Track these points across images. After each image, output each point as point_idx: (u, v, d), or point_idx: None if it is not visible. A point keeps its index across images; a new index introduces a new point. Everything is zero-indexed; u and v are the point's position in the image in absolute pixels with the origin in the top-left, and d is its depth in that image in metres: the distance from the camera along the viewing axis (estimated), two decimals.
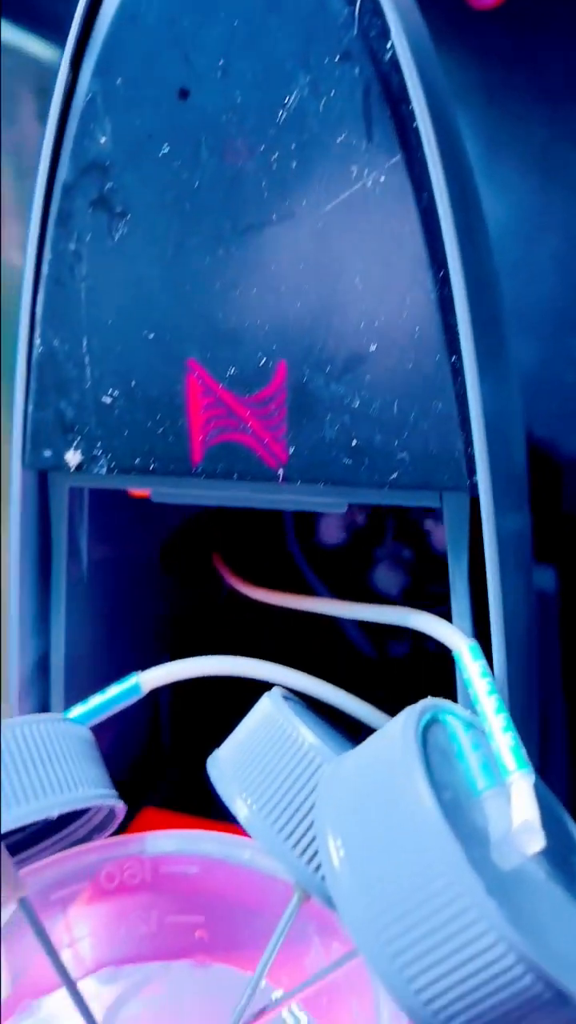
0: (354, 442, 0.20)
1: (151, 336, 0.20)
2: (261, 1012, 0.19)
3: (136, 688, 0.23)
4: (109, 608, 0.27)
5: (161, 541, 0.32)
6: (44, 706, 0.26)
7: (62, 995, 0.20)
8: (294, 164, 0.19)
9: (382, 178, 0.18)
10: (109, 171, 0.20)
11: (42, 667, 0.26)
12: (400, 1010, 0.14)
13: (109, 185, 0.20)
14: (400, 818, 0.14)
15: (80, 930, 0.21)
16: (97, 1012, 0.20)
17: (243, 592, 0.30)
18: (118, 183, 0.20)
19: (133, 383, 0.21)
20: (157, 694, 0.32)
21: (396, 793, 0.15)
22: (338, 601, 0.28)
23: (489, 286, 0.22)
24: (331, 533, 0.35)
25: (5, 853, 0.19)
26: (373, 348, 0.19)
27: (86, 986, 0.21)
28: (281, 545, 0.35)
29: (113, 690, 0.23)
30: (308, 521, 0.35)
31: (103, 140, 0.19)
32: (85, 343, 0.21)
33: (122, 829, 0.22)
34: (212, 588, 0.33)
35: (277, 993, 0.21)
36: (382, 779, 0.15)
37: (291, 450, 0.20)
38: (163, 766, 0.32)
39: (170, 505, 0.23)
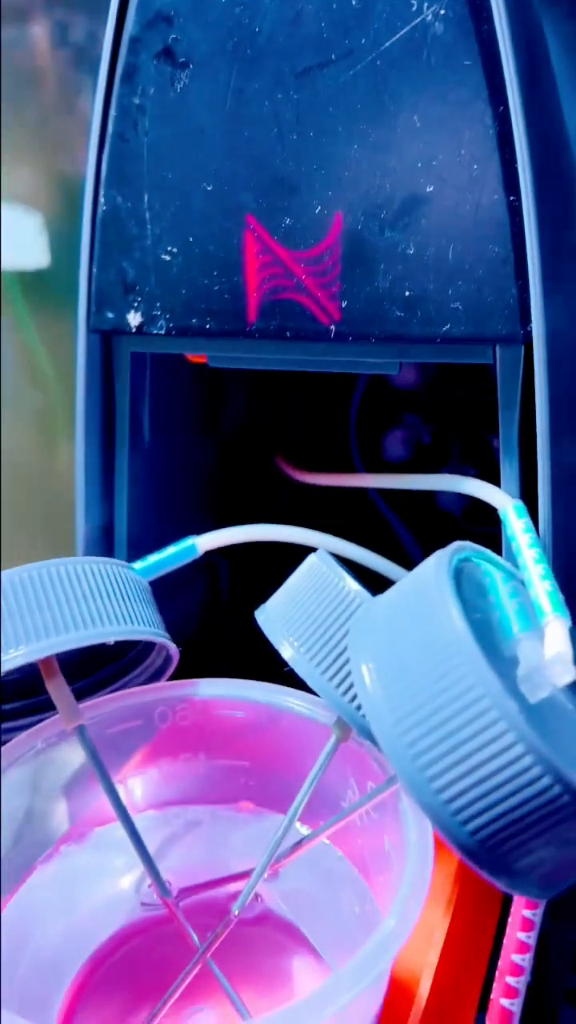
0: (407, 292, 0.19)
1: (209, 188, 0.21)
2: (295, 846, 0.20)
3: (192, 549, 0.24)
4: (169, 475, 0.28)
5: (222, 417, 0.32)
6: None
7: (116, 827, 0.22)
8: (354, 1, 0.18)
9: (442, 11, 0.18)
10: (173, 22, 0.20)
11: (106, 530, 0.27)
12: (421, 811, 0.14)
13: (173, 36, 0.20)
14: (428, 631, 0.15)
15: (134, 766, 0.22)
16: (149, 846, 0.21)
17: (302, 479, 0.30)
18: (181, 33, 0.20)
19: (191, 239, 0.21)
20: (217, 566, 0.33)
21: (424, 609, 0.15)
22: (389, 475, 0.28)
23: (556, 139, 0.21)
24: (395, 448, 0.35)
25: (64, 684, 0.20)
26: (430, 189, 0.18)
27: (138, 821, 0.23)
28: (345, 461, 0.35)
29: (171, 549, 0.24)
30: (374, 437, 0.35)
31: None
32: (146, 199, 0.21)
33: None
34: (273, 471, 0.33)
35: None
36: (412, 601, 0.16)
37: (343, 305, 0.20)
38: (222, 631, 0.33)
39: (233, 378, 0.24)
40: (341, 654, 0.18)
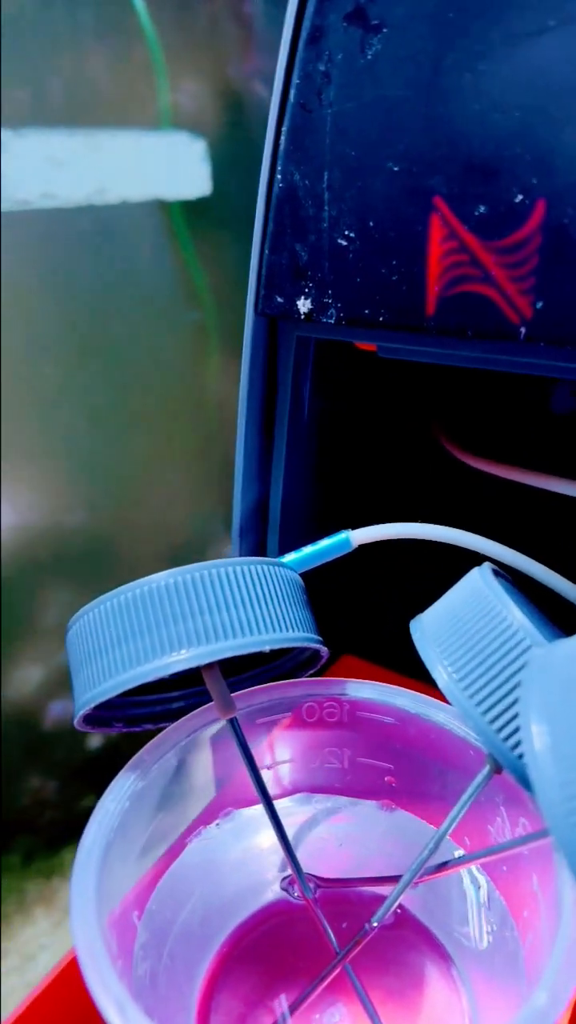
0: None
1: (396, 169, 0.19)
2: (443, 866, 0.20)
3: (346, 543, 0.23)
4: (326, 458, 0.27)
5: (383, 400, 0.31)
6: (260, 545, 0.27)
7: (259, 809, 0.22)
8: None
9: None
10: None
11: (261, 509, 0.27)
12: None
13: None
14: None
15: (280, 755, 0.23)
16: (288, 829, 0.22)
17: (466, 462, 0.29)
18: None
19: (371, 223, 0.19)
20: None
21: None
22: (567, 480, 0.26)
23: None
24: (564, 400, 0.32)
25: (220, 678, 0.21)
26: None
27: (280, 805, 0.23)
28: (506, 411, 0.33)
29: (324, 542, 0.23)
30: (539, 385, 0.32)
31: None
32: (326, 178, 0.20)
33: (322, 672, 0.23)
34: (432, 454, 0.32)
35: (459, 852, 0.21)
36: None
37: (538, 305, 0.18)
38: (366, 618, 0.32)
39: (396, 362, 0.22)
40: (501, 694, 0.17)
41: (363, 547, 0.23)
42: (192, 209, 0.52)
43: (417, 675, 0.20)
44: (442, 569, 0.22)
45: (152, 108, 0.49)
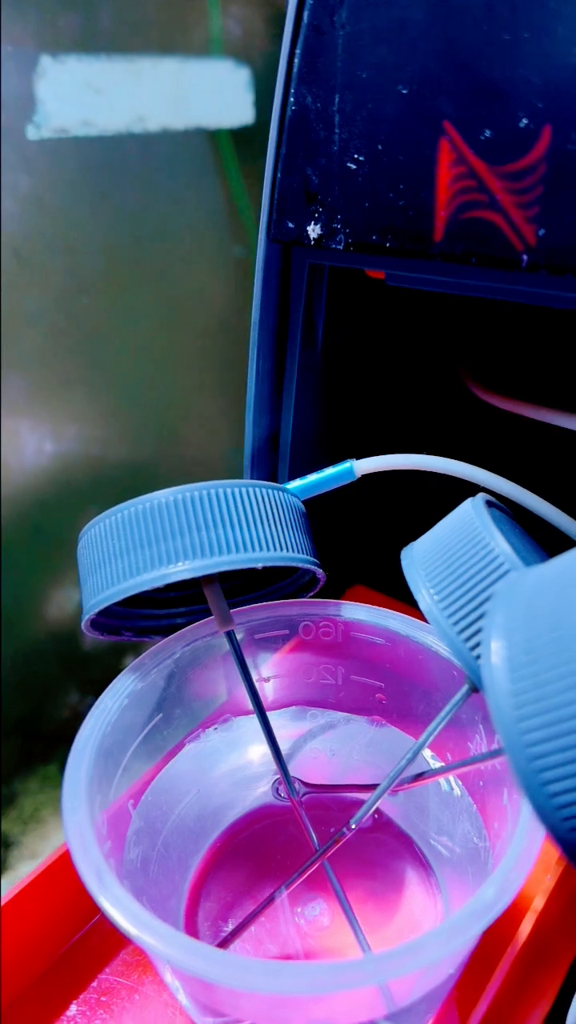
0: None
1: (405, 92, 0.19)
2: (421, 775, 0.21)
3: (350, 471, 0.24)
4: (339, 391, 0.27)
5: (403, 334, 0.31)
6: (271, 475, 0.28)
7: (253, 719, 0.24)
8: None
9: None
10: None
11: (273, 439, 0.27)
12: (531, 807, 0.14)
13: None
14: (570, 632, 0.14)
15: (277, 670, 0.24)
16: (281, 740, 0.23)
17: (490, 402, 0.29)
18: None
19: (380, 147, 0.19)
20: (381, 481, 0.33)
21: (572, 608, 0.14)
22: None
23: None
24: None
25: (220, 593, 0.22)
26: None
27: (275, 717, 0.24)
28: (533, 350, 0.32)
29: (328, 470, 0.24)
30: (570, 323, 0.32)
31: None
32: (337, 101, 0.20)
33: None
34: (453, 391, 0.32)
35: (437, 763, 0.22)
36: (562, 595, 0.15)
37: (541, 232, 0.18)
38: (376, 549, 0.33)
39: (419, 295, 0.22)
40: (474, 615, 0.18)
41: (376, 480, 0.24)
42: (239, 138, 0.52)
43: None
44: (453, 502, 0.23)
45: (201, 34, 0.48)
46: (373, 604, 0.23)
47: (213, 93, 0.46)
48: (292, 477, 0.27)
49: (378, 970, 0.14)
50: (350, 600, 0.23)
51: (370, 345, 0.29)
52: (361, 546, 0.33)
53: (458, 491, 0.22)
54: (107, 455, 0.58)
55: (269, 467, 0.28)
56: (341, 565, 0.25)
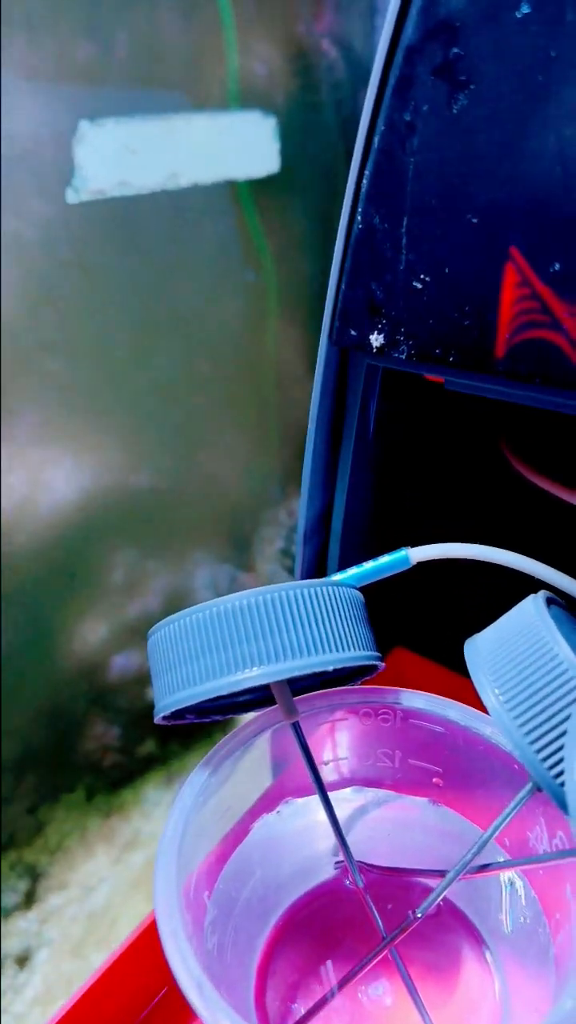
0: None
1: (475, 220, 0.19)
2: (485, 867, 0.22)
3: (405, 559, 0.25)
4: (388, 474, 0.28)
5: (451, 418, 0.31)
6: (322, 550, 0.29)
7: (316, 800, 0.25)
8: None
9: None
10: (458, 33, 0.18)
11: (325, 518, 0.28)
12: None
13: (455, 50, 0.18)
14: None
15: (337, 753, 0.25)
16: (341, 817, 0.24)
17: (533, 482, 0.29)
18: (465, 48, 0.18)
19: (447, 270, 0.20)
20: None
21: None
22: None
23: None
24: None
25: (287, 688, 0.23)
26: None
27: (335, 795, 0.25)
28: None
29: (384, 558, 0.25)
30: None
31: None
32: (405, 223, 0.20)
33: None
34: (499, 472, 0.33)
35: (501, 854, 0.23)
36: None
37: None
38: (419, 613, 0.34)
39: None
40: (547, 723, 0.19)
41: None
42: (258, 183, 0.52)
43: (464, 672, 0.22)
44: (495, 575, 0.23)
45: (221, 74, 0.49)
46: (415, 667, 0.24)
47: (242, 146, 0.47)
48: (343, 553, 0.28)
49: None
50: (392, 663, 0.24)
51: (420, 431, 0.30)
52: (402, 607, 0.34)
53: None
54: (131, 486, 0.59)
55: (320, 543, 0.28)
56: (382, 627, 0.26)
